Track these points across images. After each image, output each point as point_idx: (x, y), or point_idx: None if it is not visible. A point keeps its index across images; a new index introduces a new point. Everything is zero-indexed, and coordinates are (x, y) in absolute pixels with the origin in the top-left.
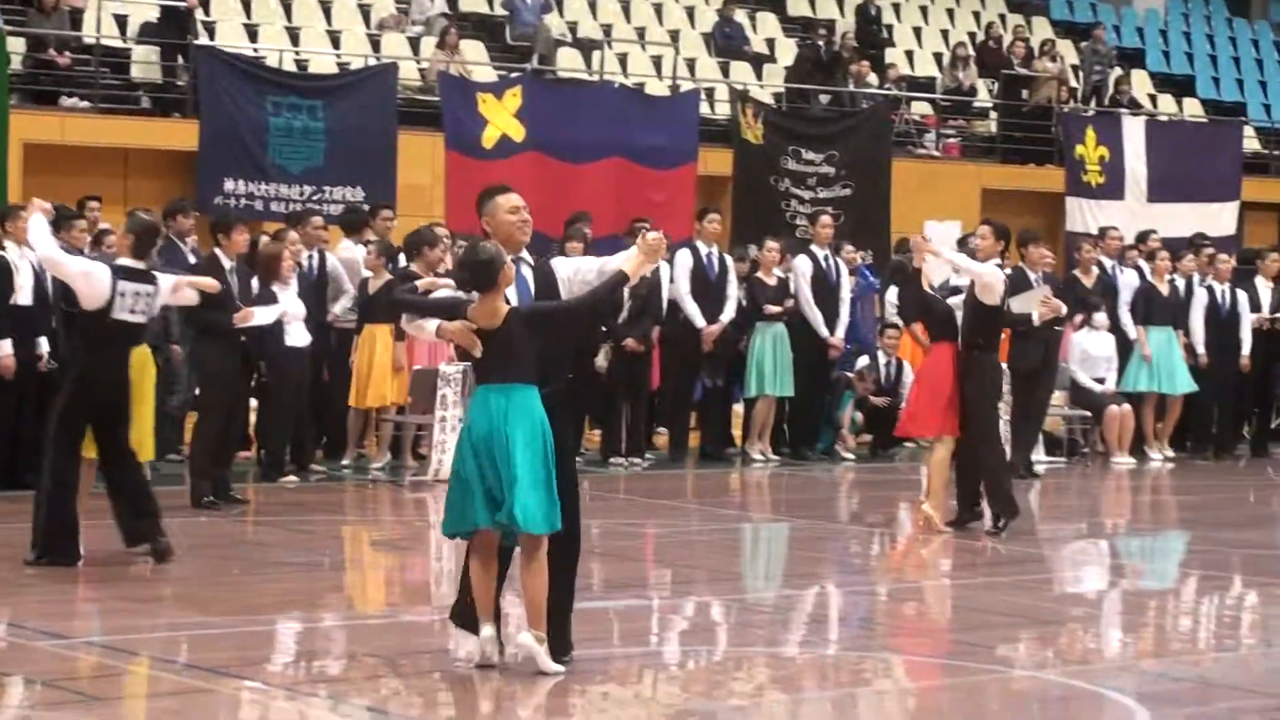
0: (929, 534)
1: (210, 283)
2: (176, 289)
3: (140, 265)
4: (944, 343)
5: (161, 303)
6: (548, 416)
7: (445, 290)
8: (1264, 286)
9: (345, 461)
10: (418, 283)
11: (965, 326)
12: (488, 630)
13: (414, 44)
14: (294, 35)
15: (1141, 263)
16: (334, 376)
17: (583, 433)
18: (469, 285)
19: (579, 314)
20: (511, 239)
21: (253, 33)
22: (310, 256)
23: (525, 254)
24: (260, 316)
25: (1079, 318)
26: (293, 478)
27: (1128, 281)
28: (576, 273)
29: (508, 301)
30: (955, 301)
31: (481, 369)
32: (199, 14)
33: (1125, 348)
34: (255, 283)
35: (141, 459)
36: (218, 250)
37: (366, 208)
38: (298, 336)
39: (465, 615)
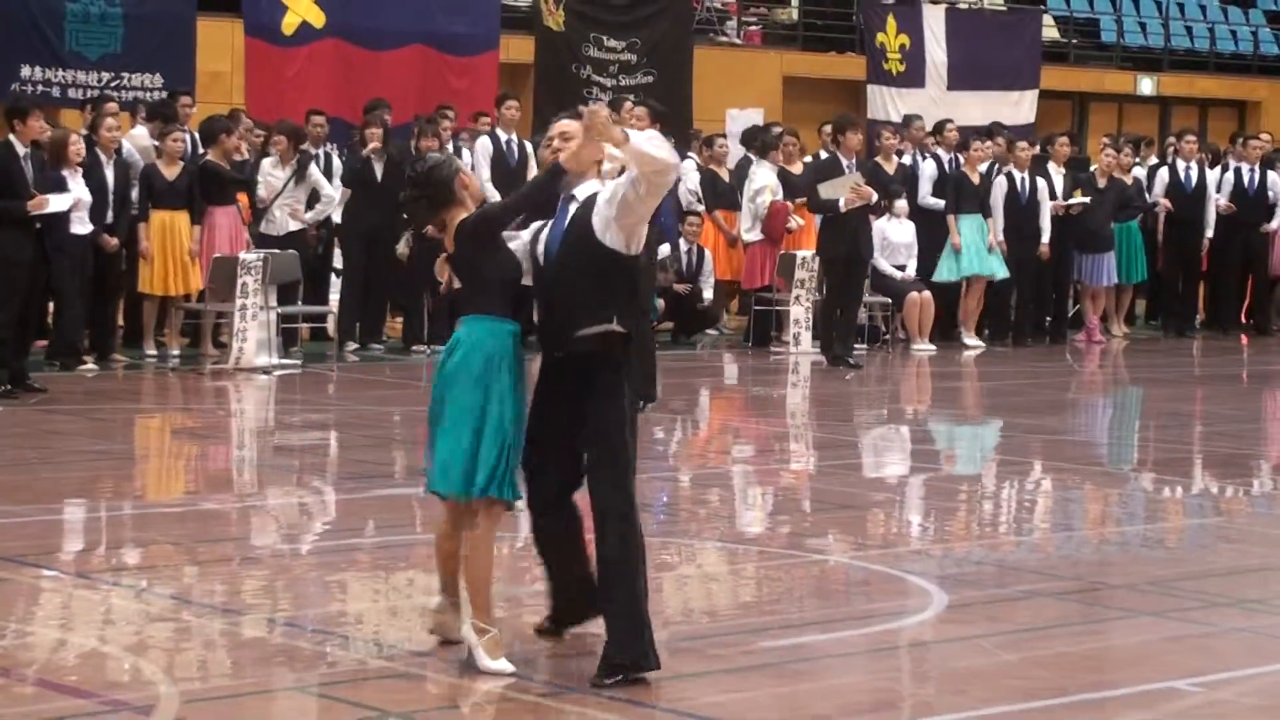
0: None
1: None
2: None
3: None
4: None
5: None
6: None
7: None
8: (1055, 172)
9: (150, 351)
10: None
11: None
12: (434, 601)
13: None
14: None
15: (940, 151)
16: (131, 265)
17: (385, 320)
18: (422, 204)
19: (509, 213)
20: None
21: None
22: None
23: (581, 190)
24: (55, 203)
25: (881, 205)
26: (91, 365)
27: (928, 170)
28: (613, 195)
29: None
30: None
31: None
32: None
33: (931, 238)
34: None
35: None
36: (12, 136)
37: (167, 95)
38: (80, 224)
39: None
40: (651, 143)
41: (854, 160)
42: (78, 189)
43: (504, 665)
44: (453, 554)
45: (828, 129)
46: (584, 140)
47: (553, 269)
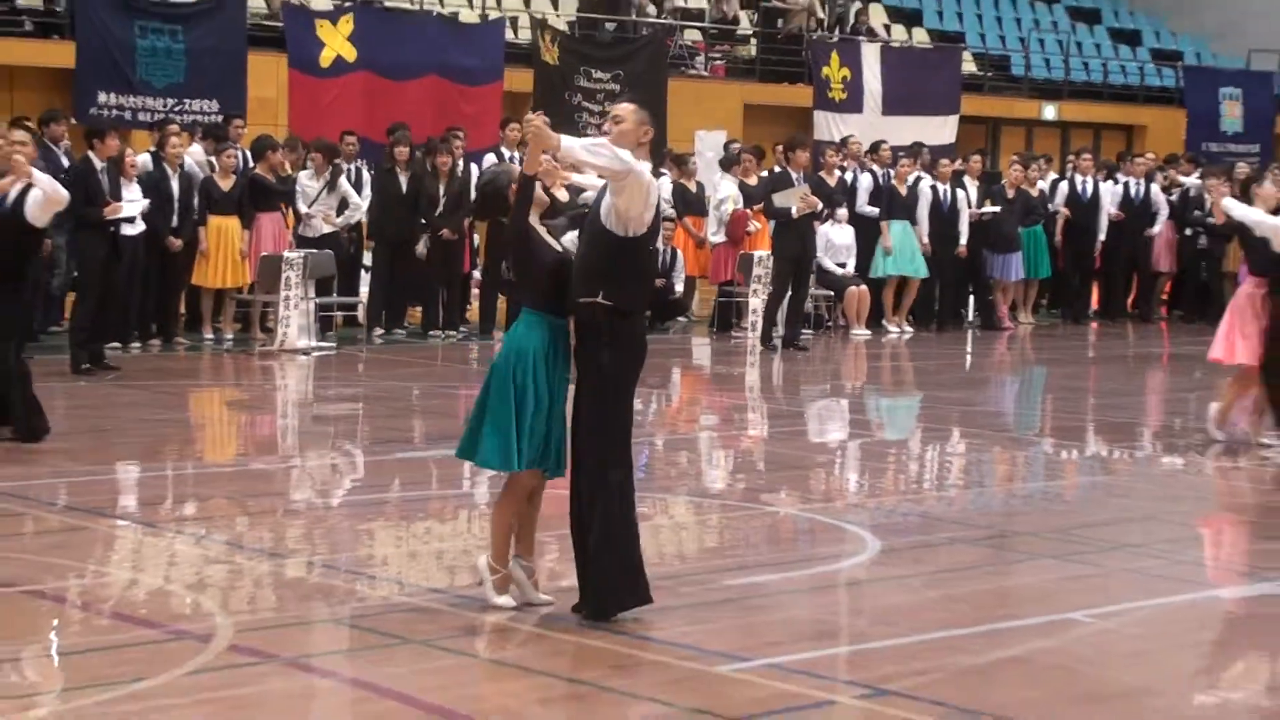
0: None
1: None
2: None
3: None
4: None
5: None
6: (574, 339)
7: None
8: (971, 185)
9: (208, 335)
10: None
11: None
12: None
13: None
14: None
15: (875, 166)
16: (190, 262)
17: (404, 313)
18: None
19: (515, 222)
20: None
21: None
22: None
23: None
24: (127, 209)
25: (825, 212)
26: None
27: (865, 183)
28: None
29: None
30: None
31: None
32: None
33: (868, 241)
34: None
35: None
36: (90, 153)
37: (222, 118)
38: (131, 227)
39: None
40: (588, 150)
41: (802, 174)
42: (134, 197)
43: (506, 600)
44: (523, 517)
45: (780, 147)
46: (530, 145)
47: (578, 242)
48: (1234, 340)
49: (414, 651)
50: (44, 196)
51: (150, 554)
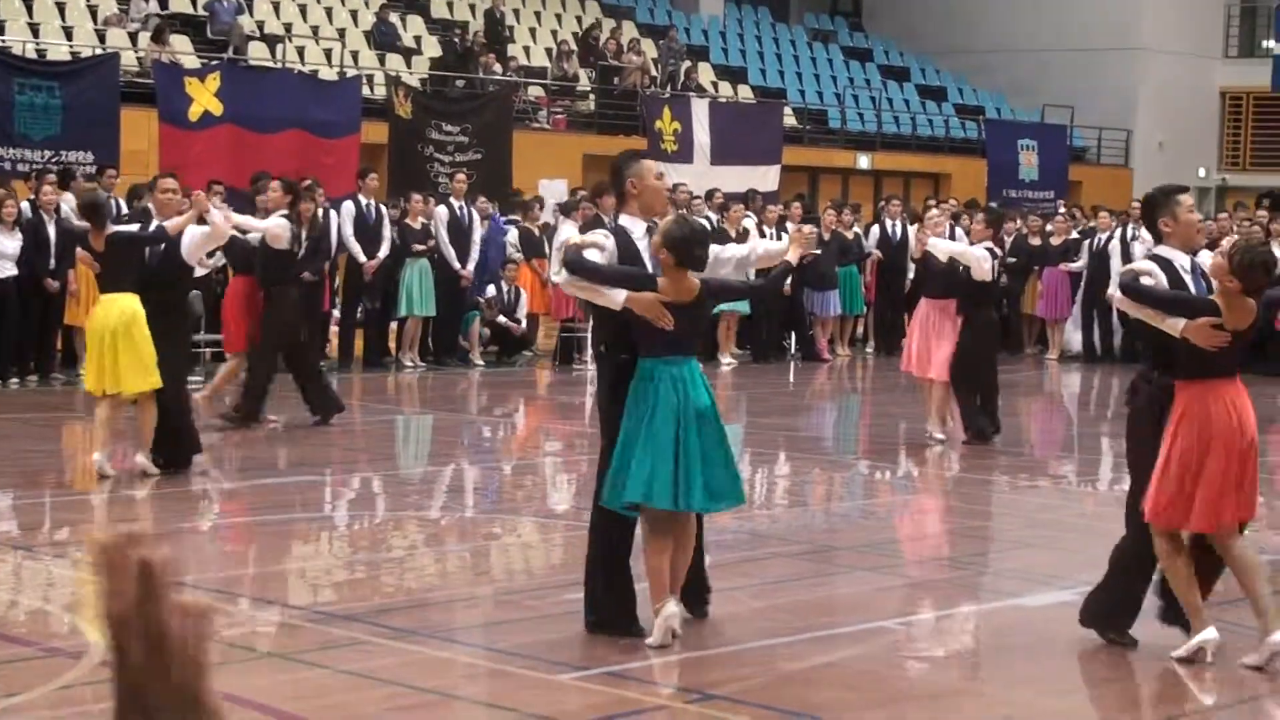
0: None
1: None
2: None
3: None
4: (245, 276)
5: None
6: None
7: (598, 254)
8: (792, 227)
9: (82, 371)
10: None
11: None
12: (671, 606)
13: (133, 37)
14: (35, 29)
15: (710, 213)
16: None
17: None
18: (681, 262)
19: (756, 294)
20: (654, 206)
21: (1, 27)
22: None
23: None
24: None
25: None
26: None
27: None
28: (715, 257)
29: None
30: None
31: (662, 342)
32: None
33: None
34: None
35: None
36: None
37: (95, 168)
38: (3, 270)
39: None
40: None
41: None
42: (9, 243)
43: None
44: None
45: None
46: (798, 250)
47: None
48: (923, 355)
49: (275, 665)
50: (210, 232)
51: (29, 576)
